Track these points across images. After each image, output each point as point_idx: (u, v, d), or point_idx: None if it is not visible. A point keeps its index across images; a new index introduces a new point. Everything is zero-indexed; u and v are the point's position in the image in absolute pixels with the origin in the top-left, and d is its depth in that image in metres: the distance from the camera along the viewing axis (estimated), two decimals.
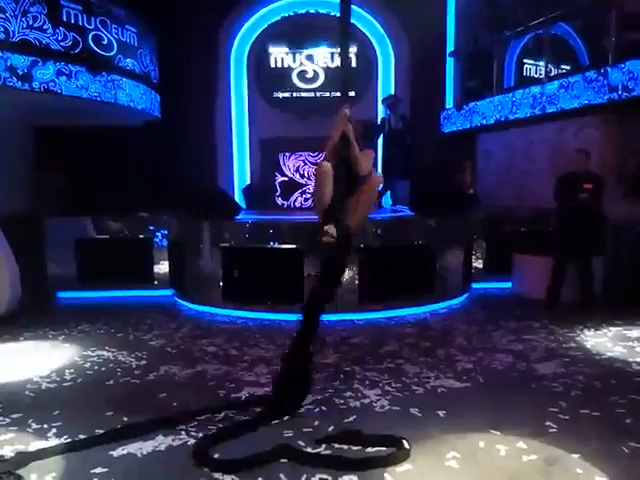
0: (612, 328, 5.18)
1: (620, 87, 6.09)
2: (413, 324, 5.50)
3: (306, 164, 9.10)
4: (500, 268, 7.00)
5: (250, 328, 5.44)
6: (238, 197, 9.38)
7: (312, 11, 9.57)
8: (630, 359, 4.31)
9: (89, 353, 4.58)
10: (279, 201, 9.07)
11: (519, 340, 4.85)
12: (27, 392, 3.73)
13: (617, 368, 4.13)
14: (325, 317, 5.48)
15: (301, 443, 2.94)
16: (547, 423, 3.17)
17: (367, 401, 3.54)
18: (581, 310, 5.72)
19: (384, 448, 2.85)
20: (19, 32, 6.15)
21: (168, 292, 6.78)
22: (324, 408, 3.42)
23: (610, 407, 3.41)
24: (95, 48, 6.98)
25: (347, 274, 5.65)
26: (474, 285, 6.89)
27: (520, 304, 6.23)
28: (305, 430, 3.09)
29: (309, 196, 9.12)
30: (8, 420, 3.28)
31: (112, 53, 7.24)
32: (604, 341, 4.80)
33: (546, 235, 6.43)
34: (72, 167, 8.22)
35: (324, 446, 2.91)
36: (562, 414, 3.30)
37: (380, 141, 8.57)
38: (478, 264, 7.18)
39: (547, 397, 3.58)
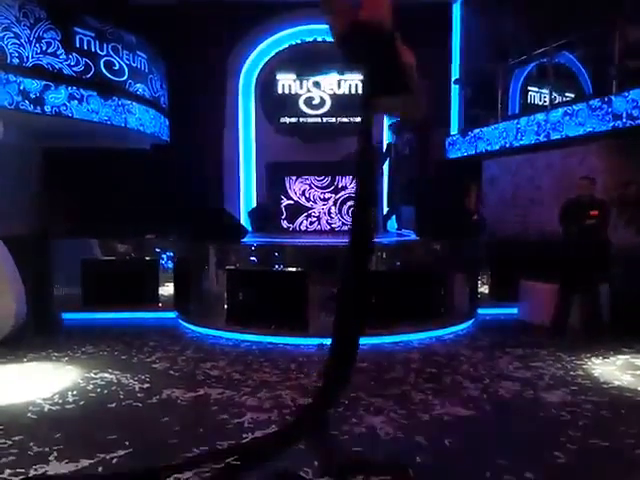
0: (620, 356, 5.11)
1: (624, 115, 6.15)
2: (419, 349, 5.45)
3: (312, 188, 9.17)
4: (506, 294, 6.96)
5: (254, 352, 5.40)
6: (244, 220, 9.43)
7: (319, 39, 9.75)
8: (639, 388, 4.24)
9: (92, 375, 4.56)
10: (285, 224, 9.11)
11: (526, 367, 4.79)
12: (29, 414, 3.70)
13: (626, 397, 4.07)
14: (328, 342, 5.50)
15: (307, 469, 2.90)
16: (555, 453, 3.11)
17: (372, 428, 3.49)
18: (588, 338, 5.66)
19: (388, 477, 2.80)
20: (33, 57, 6.30)
21: (172, 314, 6.77)
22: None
23: (619, 437, 3.34)
24: (107, 73, 7.13)
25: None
26: (480, 311, 6.85)
27: (526, 331, 6.17)
28: (309, 457, 3.04)
29: (314, 219, 9.16)
30: (9, 442, 3.25)
31: (123, 78, 7.39)
32: (612, 369, 4.74)
33: (552, 261, 6.39)
34: (81, 189, 8.30)
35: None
36: (570, 444, 3.24)
37: (386, 166, 8.64)
38: (484, 289, 7.14)
39: (555, 426, 3.52)
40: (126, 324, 6.50)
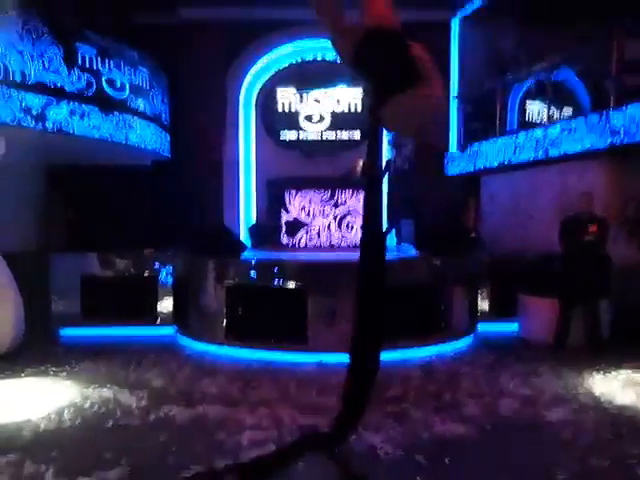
0: (621, 373, 5.08)
1: (622, 131, 6.18)
2: (419, 366, 5.42)
3: (311, 203, 9.18)
4: (506, 310, 6.93)
5: (252, 368, 5.37)
6: (244, 235, 9.43)
7: (319, 58, 9.85)
8: None
9: (90, 392, 4.53)
10: (284, 240, 9.11)
11: (526, 384, 4.76)
12: (25, 432, 3.68)
13: (627, 416, 4.03)
14: (328, 358, 5.48)
15: None
16: (556, 472, 3.08)
17: (371, 446, 3.45)
18: (589, 354, 5.63)
19: None
20: (35, 74, 6.35)
21: (171, 330, 6.74)
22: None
23: (621, 457, 3.31)
24: (108, 90, 7.18)
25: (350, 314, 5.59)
26: (480, 327, 6.82)
27: (526, 347, 6.14)
28: (310, 475, 3.02)
29: (314, 235, 9.16)
30: (5, 460, 3.22)
31: (124, 94, 7.44)
32: (613, 387, 4.70)
33: (552, 277, 6.39)
34: (81, 205, 8.34)
35: None
36: (571, 463, 3.21)
37: (385, 182, 8.67)
38: (484, 305, 7.12)
39: (556, 445, 3.49)
40: (125, 340, 6.46)
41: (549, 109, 8.01)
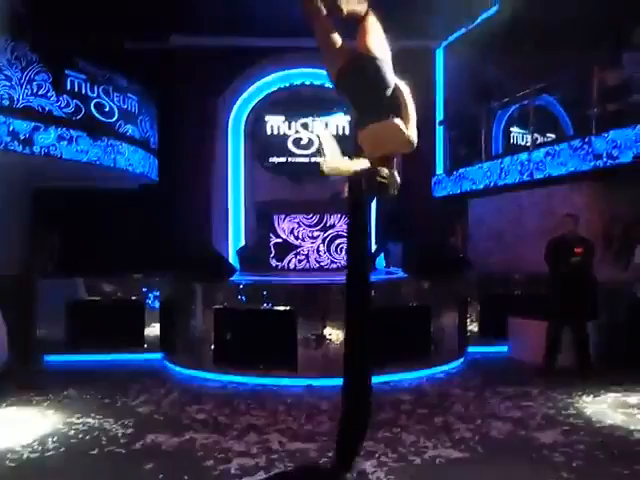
0: (611, 394, 5.08)
1: (605, 155, 6.31)
2: (409, 390, 5.38)
3: (300, 226, 9.21)
4: (495, 332, 6.95)
5: (241, 394, 5.29)
6: (232, 259, 9.39)
7: (307, 83, 10.00)
8: (631, 427, 4.20)
9: (74, 420, 4.42)
10: (273, 262, 9.09)
11: (517, 407, 4.74)
12: (8, 462, 3.56)
13: (618, 437, 4.02)
14: (317, 382, 5.42)
15: None
16: None
17: (363, 473, 3.39)
18: (578, 375, 5.63)
19: None
20: (23, 99, 6.35)
21: (158, 356, 6.64)
22: None
23: (613, 478, 3.29)
24: (97, 115, 7.19)
25: (340, 337, 5.56)
26: (469, 349, 6.81)
27: (517, 369, 6.14)
28: None
29: (303, 257, 9.16)
30: None
31: (113, 119, 7.45)
32: (603, 408, 4.70)
33: (540, 299, 6.43)
34: (68, 228, 8.26)
35: None
36: None
37: (374, 205, 8.72)
38: (473, 327, 7.12)
39: (548, 467, 3.46)
40: (111, 366, 6.36)
41: (532, 134, 8.17)
